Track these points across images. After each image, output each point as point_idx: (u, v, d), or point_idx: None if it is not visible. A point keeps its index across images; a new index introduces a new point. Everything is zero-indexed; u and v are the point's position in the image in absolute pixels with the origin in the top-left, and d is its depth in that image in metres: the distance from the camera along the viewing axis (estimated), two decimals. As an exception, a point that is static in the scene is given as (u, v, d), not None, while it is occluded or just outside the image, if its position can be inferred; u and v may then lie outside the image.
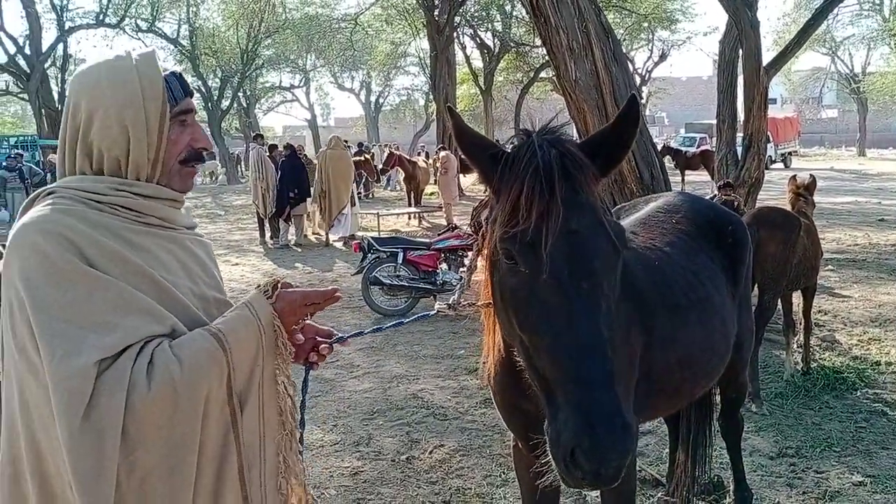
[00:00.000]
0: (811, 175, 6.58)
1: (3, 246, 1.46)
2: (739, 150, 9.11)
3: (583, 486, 1.51)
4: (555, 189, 1.55)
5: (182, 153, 1.59)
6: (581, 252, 1.55)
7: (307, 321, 1.71)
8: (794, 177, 6.55)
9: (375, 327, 2.18)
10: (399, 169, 19.71)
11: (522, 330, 1.61)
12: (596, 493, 3.59)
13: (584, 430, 1.42)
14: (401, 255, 8.31)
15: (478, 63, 33.47)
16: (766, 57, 9.11)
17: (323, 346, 1.72)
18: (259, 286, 1.58)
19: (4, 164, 16.75)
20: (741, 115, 9.92)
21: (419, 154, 26.14)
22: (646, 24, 32.88)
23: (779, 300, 5.80)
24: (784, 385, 5.57)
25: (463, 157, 1.74)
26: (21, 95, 31.81)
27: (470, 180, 24.57)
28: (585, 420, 1.42)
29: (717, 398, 3.50)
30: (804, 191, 6.20)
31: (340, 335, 1.79)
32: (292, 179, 13.27)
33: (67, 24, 28.95)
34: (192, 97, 1.64)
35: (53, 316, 1.34)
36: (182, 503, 1.42)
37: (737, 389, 3.36)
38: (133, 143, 1.53)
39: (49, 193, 1.51)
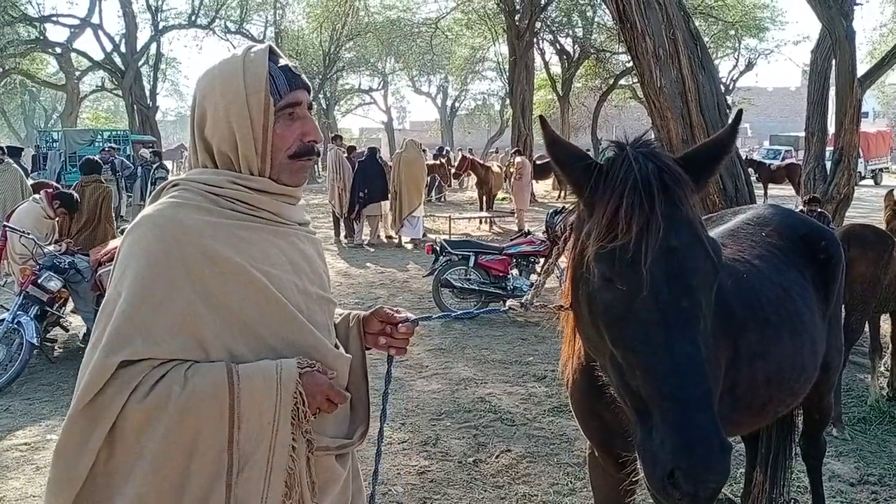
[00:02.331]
0: (911, 190, 6.26)
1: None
2: (828, 164, 8.79)
3: None
4: (655, 204, 1.52)
5: (291, 147, 1.58)
6: (681, 269, 1.52)
7: (383, 308, 1.78)
8: (891, 192, 6.23)
9: (444, 314, 2.19)
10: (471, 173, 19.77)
11: (616, 346, 1.58)
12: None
13: (683, 451, 1.39)
14: (472, 259, 8.33)
15: (556, 69, 33.24)
16: (860, 69, 8.77)
17: (399, 328, 1.74)
18: (299, 359, 1.53)
19: (99, 156, 17.54)
20: (831, 128, 9.57)
21: (492, 155, 26.12)
22: (733, 32, 31.96)
23: (866, 322, 5.55)
24: (868, 410, 5.35)
25: (555, 167, 1.72)
26: (115, 92, 33.35)
27: (542, 187, 24.51)
28: (684, 441, 1.40)
29: (799, 419, 3.38)
30: (903, 208, 5.90)
31: (410, 317, 1.79)
32: (364, 180, 13.47)
33: (161, 25, 30.18)
34: (305, 90, 1.60)
35: (124, 309, 1.43)
36: None
37: (821, 411, 3.24)
38: (238, 138, 1.54)
39: (174, 185, 1.59)
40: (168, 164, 22.53)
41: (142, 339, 1.41)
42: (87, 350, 1.48)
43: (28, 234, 6.68)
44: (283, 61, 1.59)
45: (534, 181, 18.62)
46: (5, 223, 7.27)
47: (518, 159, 16.94)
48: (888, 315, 5.79)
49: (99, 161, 9.73)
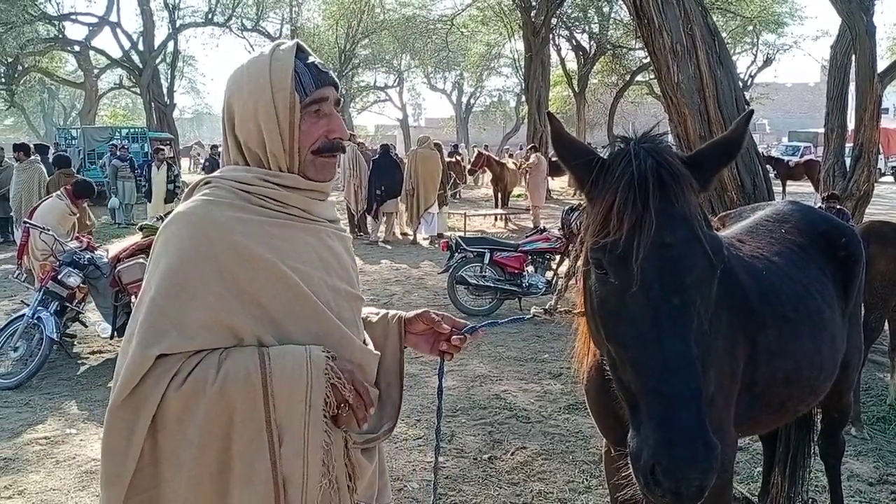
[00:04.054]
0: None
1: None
2: (847, 160, 8.70)
3: (664, 502, 1.48)
4: (648, 200, 1.52)
5: (315, 143, 1.60)
6: (673, 266, 1.52)
7: (446, 314, 1.82)
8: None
9: (514, 317, 2.19)
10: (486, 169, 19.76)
11: (609, 341, 1.61)
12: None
13: (664, 448, 1.40)
14: (488, 256, 8.31)
15: (572, 65, 33.12)
16: (881, 64, 8.67)
17: (455, 336, 1.79)
18: (323, 347, 1.55)
19: (118, 154, 17.72)
20: (851, 125, 9.47)
21: (509, 155, 26.06)
22: (751, 28, 31.69)
23: (886, 320, 5.50)
24: (887, 409, 5.31)
25: (559, 162, 1.74)
26: (133, 89, 33.61)
27: (558, 183, 24.44)
28: (666, 437, 1.41)
29: (818, 418, 3.36)
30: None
31: (472, 325, 1.84)
32: (381, 177, 13.52)
33: (178, 22, 30.34)
34: (332, 86, 1.62)
35: (157, 304, 1.46)
36: (187, 500, 1.46)
37: (840, 410, 3.20)
38: (266, 135, 1.57)
39: (206, 183, 1.62)
40: (185, 161, 22.61)
41: (177, 333, 1.44)
42: (123, 343, 1.51)
43: (48, 230, 6.75)
44: (311, 58, 1.61)
45: (550, 178, 18.57)
46: (26, 220, 7.35)
47: (533, 156, 16.90)
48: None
49: (68, 155, 9.86)
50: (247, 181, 1.57)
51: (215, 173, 1.66)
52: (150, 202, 15.26)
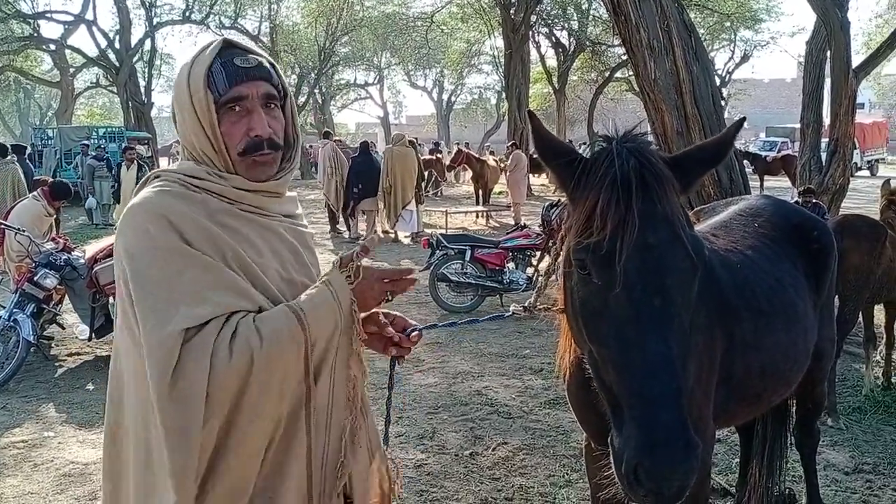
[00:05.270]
0: (905, 180, 6.25)
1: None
2: (824, 155, 8.80)
3: (646, 502, 1.49)
4: (631, 201, 1.52)
5: (241, 143, 1.55)
6: (656, 267, 1.52)
7: (398, 314, 1.80)
8: (887, 181, 6.20)
9: (450, 322, 2.19)
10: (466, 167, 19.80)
11: (591, 341, 1.61)
12: None
13: (646, 449, 1.42)
14: (469, 253, 8.33)
15: (552, 62, 33.21)
16: (856, 60, 8.77)
17: (402, 338, 1.75)
18: (339, 261, 1.58)
19: (95, 153, 17.53)
20: (827, 119, 9.57)
21: (490, 152, 26.11)
22: (728, 24, 31.93)
23: (860, 312, 5.58)
24: (863, 399, 5.39)
25: (541, 161, 1.73)
26: (110, 88, 33.25)
27: (539, 180, 24.51)
28: (647, 438, 1.42)
29: (793, 409, 3.41)
30: (897, 198, 5.89)
31: (416, 326, 1.81)
32: (359, 175, 13.49)
33: (155, 20, 30.05)
34: (260, 81, 1.55)
35: (149, 290, 1.42)
36: (249, 470, 1.46)
37: (814, 400, 3.26)
38: (193, 138, 1.57)
39: (156, 177, 1.61)
40: (164, 160, 22.44)
41: (183, 303, 1.40)
42: (116, 341, 1.50)
43: (24, 231, 6.67)
44: (237, 56, 1.55)
45: (531, 174, 18.63)
46: (1, 221, 7.26)
47: (512, 155, 16.96)
48: (882, 305, 5.81)
49: None
50: (195, 174, 1.56)
51: (164, 168, 1.67)
52: (118, 204, 15.05)
